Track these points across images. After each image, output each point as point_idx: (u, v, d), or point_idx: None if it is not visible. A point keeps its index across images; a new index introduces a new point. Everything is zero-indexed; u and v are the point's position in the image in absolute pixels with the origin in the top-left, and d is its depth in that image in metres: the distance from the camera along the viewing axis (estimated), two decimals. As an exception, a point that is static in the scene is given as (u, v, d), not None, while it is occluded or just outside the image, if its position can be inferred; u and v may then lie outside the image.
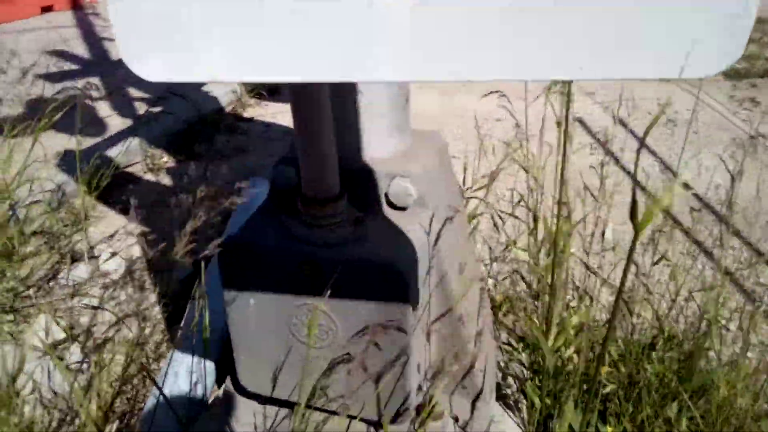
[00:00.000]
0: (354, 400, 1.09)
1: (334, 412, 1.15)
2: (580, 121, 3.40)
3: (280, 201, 1.18)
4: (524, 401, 1.43)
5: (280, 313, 1.09)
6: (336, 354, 1.08)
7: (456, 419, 1.24)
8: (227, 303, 1.12)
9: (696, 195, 2.61)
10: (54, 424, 1.52)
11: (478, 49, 0.52)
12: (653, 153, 3.11)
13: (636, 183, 2.73)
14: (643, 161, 3.01)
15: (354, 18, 0.53)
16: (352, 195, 1.09)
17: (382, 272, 1.00)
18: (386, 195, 1.15)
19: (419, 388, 1.19)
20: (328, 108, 0.97)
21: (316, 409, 1.16)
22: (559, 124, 1.24)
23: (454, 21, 0.51)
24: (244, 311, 1.11)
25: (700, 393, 1.37)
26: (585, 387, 1.44)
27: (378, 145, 1.19)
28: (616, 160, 2.94)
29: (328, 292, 0.96)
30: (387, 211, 1.16)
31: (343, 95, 1.11)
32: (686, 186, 2.68)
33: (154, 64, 0.57)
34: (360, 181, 1.13)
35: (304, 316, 1.08)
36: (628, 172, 2.92)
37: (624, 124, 3.22)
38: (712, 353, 1.54)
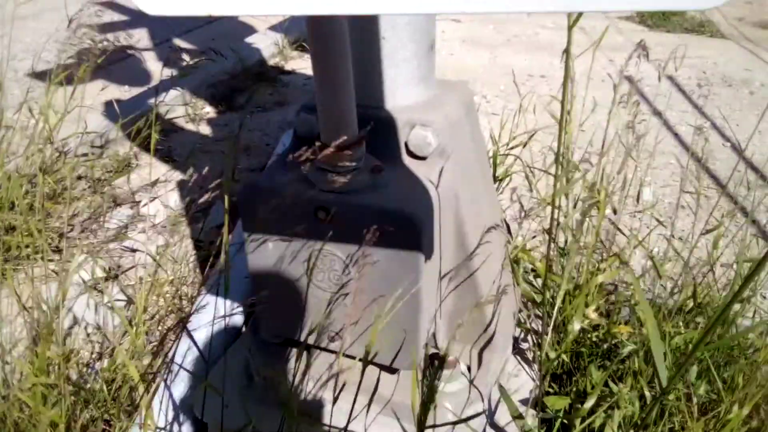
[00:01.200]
0: (366, 344, 1.11)
1: (347, 355, 1.18)
2: (629, 79, 3.26)
3: (302, 147, 1.18)
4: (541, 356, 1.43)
5: (297, 257, 1.11)
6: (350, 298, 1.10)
7: (469, 369, 1.25)
8: (247, 247, 1.15)
9: (744, 158, 2.49)
10: (94, 355, 1.62)
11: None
12: (704, 113, 2.98)
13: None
14: (692, 121, 2.88)
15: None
16: (371, 143, 1.09)
17: (396, 220, 1.01)
18: (406, 144, 1.14)
19: (432, 337, 1.21)
20: (348, 52, 0.96)
21: (330, 351, 1.19)
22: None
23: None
24: (263, 255, 1.14)
25: (724, 359, 1.34)
26: (604, 347, 1.43)
27: (401, 93, 1.17)
28: (664, 121, 2.83)
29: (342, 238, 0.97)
30: (406, 160, 1.15)
31: (366, 40, 1.10)
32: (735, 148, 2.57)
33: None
34: (380, 130, 1.13)
35: (319, 260, 1.10)
36: (676, 134, 2.81)
37: (676, 83, 3.08)
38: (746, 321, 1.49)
